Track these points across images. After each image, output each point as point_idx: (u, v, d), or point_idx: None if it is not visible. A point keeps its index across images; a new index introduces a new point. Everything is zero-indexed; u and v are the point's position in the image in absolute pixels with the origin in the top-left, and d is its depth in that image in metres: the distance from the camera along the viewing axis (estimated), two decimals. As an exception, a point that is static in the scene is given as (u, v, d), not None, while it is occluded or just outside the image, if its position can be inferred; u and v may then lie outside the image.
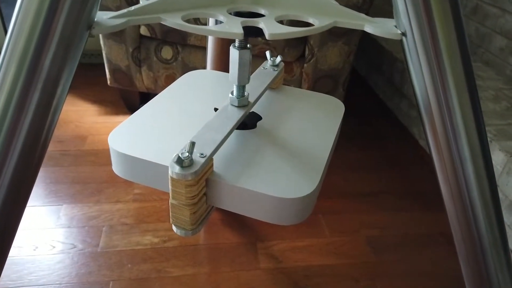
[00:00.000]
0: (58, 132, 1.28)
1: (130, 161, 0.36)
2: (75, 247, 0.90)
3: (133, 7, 0.31)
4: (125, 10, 0.31)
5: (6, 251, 0.33)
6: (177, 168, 0.31)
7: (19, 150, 0.28)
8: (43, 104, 0.27)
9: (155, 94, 0.46)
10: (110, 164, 1.16)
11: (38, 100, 0.27)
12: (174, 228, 0.34)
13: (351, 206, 1.08)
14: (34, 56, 0.26)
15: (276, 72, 0.48)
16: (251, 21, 0.32)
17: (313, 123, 0.42)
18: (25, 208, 0.32)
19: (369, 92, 1.71)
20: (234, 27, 0.31)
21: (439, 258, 0.94)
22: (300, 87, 1.19)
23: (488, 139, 1.02)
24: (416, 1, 0.29)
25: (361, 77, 1.84)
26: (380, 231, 1.00)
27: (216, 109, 0.44)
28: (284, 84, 0.57)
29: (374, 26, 0.32)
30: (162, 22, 0.31)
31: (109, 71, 1.25)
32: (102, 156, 1.19)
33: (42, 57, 0.26)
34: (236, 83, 0.39)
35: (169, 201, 0.33)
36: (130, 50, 1.18)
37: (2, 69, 0.26)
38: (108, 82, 1.28)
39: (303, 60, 1.14)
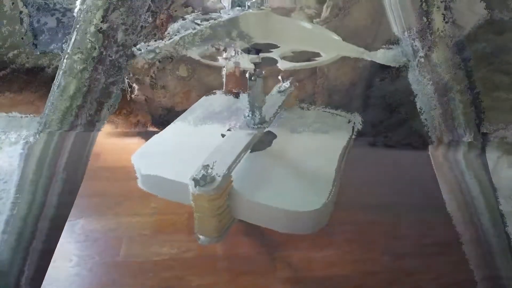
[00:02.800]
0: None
1: (153, 179, 0.40)
2: (94, 258, 0.93)
3: (160, 44, 0.35)
4: (153, 47, 0.35)
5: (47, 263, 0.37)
6: (198, 186, 0.35)
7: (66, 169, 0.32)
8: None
9: (173, 111, 0.51)
10: (125, 179, 1.19)
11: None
12: (199, 237, 0.38)
13: (367, 217, 1.08)
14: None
15: (289, 93, 0.52)
16: (267, 55, 0.36)
17: (323, 141, 0.45)
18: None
19: (383, 104, 1.72)
20: (247, 61, 0.34)
21: (457, 264, 0.93)
22: (313, 103, 1.22)
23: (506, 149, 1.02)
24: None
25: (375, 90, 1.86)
26: (397, 240, 1.01)
27: (229, 130, 0.48)
28: (297, 100, 0.61)
29: (372, 56, 0.35)
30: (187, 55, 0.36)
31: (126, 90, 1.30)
32: (117, 172, 1.22)
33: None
34: (252, 106, 0.43)
35: (194, 214, 0.37)
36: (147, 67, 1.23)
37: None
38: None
39: (315, 77, 1.17)
